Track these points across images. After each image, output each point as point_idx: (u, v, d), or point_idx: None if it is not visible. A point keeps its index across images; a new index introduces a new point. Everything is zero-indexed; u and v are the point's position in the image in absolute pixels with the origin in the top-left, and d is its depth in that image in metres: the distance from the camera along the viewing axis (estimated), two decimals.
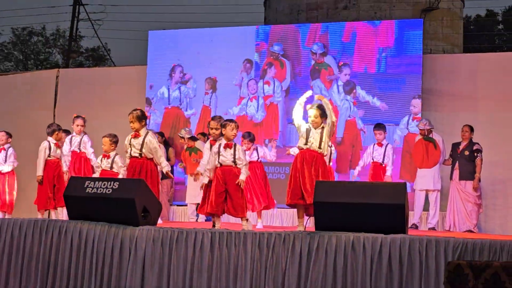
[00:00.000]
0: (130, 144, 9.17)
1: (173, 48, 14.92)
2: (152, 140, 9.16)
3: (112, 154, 10.40)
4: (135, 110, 9.27)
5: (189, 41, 14.87)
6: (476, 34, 43.64)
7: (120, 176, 10.03)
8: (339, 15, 33.26)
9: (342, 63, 13.78)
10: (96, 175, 10.31)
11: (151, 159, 9.16)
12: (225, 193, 8.67)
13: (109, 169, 10.34)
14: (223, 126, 8.84)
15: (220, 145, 8.81)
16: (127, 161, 9.32)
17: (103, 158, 10.40)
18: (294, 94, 13.66)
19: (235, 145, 8.79)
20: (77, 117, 11.77)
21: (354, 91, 13.60)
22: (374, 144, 12.02)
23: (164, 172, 9.35)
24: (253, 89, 14.14)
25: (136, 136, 9.12)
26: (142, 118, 9.18)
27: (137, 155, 9.09)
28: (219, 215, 8.77)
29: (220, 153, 8.73)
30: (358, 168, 12.18)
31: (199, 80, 14.58)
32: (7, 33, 43.89)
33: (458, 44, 35.87)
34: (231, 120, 8.96)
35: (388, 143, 12.03)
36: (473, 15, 45.70)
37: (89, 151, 11.65)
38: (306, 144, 8.52)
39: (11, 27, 43.34)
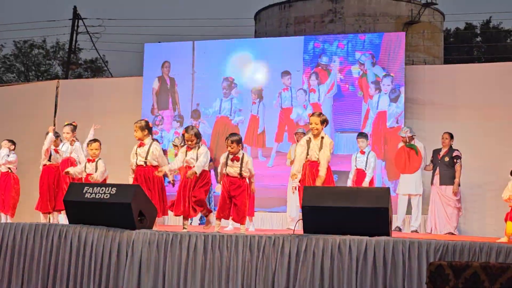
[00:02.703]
0: (136, 153, 9.05)
1: (170, 59, 14.92)
2: (157, 148, 9.06)
3: None
4: (139, 120, 9.22)
5: (190, 53, 14.82)
6: (455, 46, 43.82)
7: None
8: (326, 28, 33.43)
9: (385, 73, 13.58)
10: None
11: (156, 166, 9.06)
12: (231, 200, 8.73)
13: None
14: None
15: (228, 155, 8.86)
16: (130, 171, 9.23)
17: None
18: (340, 102, 13.69)
19: (242, 157, 8.82)
20: (65, 125, 11.71)
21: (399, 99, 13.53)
22: (357, 152, 12.01)
23: (165, 171, 9.03)
24: (301, 99, 14.01)
25: (141, 145, 9.04)
26: (145, 128, 9.04)
27: (142, 163, 8.96)
28: (225, 219, 8.86)
29: (228, 164, 8.78)
30: (349, 180, 12.11)
31: (243, 89, 14.49)
32: (9, 45, 44.04)
33: (439, 55, 36.05)
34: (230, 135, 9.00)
35: (370, 151, 12.00)
36: (452, 28, 45.90)
37: (79, 158, 11.51)
38: (306, 157, 8.61)
39: (13, 40, 43.32)
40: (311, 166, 8.66)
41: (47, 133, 10.93)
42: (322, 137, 8.70)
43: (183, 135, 9.21)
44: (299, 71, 14.05)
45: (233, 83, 14.40)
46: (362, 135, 12.06)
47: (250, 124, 14.18)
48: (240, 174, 8.77)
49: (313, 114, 8.80)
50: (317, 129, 8.64)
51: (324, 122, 8.69)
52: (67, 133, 11.44)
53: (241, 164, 8.77)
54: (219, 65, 14.64)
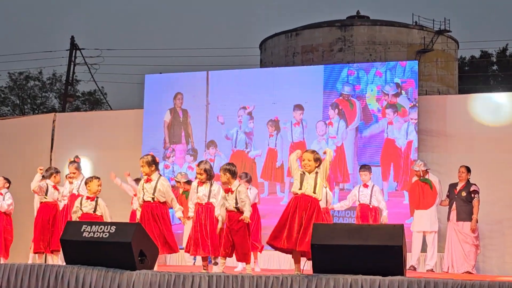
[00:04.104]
0: (143, 188, 9.18)
1: (171, 92, 14.94)
2: (164, 184, 9.20)
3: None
4: (146, 155, 9.38)
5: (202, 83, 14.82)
6: (471, 75, 43.92)
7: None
8: (334, 57, 33.59)
9: (412, 105, 13.38)
10: None
11: (164, 203, 9.19)
12: (231, 238, 8.70)
13: None
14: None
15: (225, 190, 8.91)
16: (137, 205, 9.36)
17: None
18: (366, 135, 13.57)
19: (237, 188, 8.80)
20: (69, 163, 11.78)
21: None
22: (360, 186, 11.89)
23: (177, 217, 9.31)
24: (321, 131, 13.88)
25: (148, 181, 9.17)
26: (152, 163, 9.20)
27: (150, 199, 9.10)
28: (229, 257, 8.83)
29: (226, 198, 8.80)
30: (339, 205, 12.03)
31: (258, 121, 14.39)
32: (3, 77, 44.31)
33: (453, 85, 36.15)
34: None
35: (374, 185, 11.85)
36: (467, 56, 46.03)
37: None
38: (300, 189, 8.56)
39: (8, 71, 43.59)
40: (304, 199, 8.58)
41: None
42: (317, 172, 8.67)
43: (196, 168, 9.43)
44: (307, 102, 14.04)
45: (251, 113, 14.33)
46: (364, 167, 11.95)
47: (267, 158, 14.11)
48: (236, 207, 8.75)
49: (307, 151, 8.84)
50: (309, 165, 8.64)
51: (318, 160, 8.67)
52: (73, 172, 11.56)
53: (235, 195, 8.76)
54: (234, 96, 14.56)
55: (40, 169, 11.04)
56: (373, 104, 13.65)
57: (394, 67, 13.80)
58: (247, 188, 10.93)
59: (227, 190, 8.78)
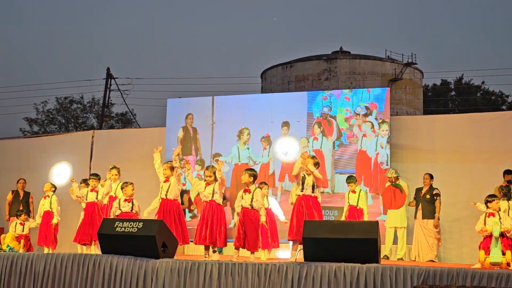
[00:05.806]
0: (161, 187, 9.44)
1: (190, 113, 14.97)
2: (174, 183, 9.46)
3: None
4: (169, 161, 9.68)
5: (207, 107, 14.85)
6: (433, 99, 43.96)
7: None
8: (322, 85, 33.57)
9: (381, 120, 13.32)
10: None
11: (175, 200, 9.28)
12: (244, 231, 8.70)
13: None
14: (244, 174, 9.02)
15: (242, 191, 8.94)
16: (158, 201, 9.52)
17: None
18: (340, 148, 13.53)
19: (254, 190, 8.82)
20: (112, 168, 11.71)
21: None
22: (348, 192, 11.79)
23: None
24: (304, 145, 13.77)
25: (166, 181, 9.43)
26: (172, 169, 9.51)
27: (164, 196, 9.34)
28: (242, 248, 8.82)
29: (242, 197, 8.80)
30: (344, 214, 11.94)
31: (254, 137, 14.35)
32: (52, 101, 44.17)
33: (419, 107, 36.11)
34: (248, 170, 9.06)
35: (361, 190, 11.78)
36: (430, 84, 46.07)
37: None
38: (302, 191, 8.62)
39: (55, 96, 43.63)
40: (306, 199, 8.63)
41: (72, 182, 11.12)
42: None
43: (204, 172, 9.47)
44: (299, 121, 14.04)
45: (249, 133, 14.36)
46: (350, 178, 11.83)
47: (262, 167, 14.14)
48: (251, 205, 8.75)
49: (307, 157, 8.86)
50: (310, 169, 8.69)
51: (317, 164, 8.74)
52: (115, 175, 11.50)
53: (252, 196, 8.77)
54: (235, 117, 14.54)
55: (72, 180, 11.10)
56: (345, 123, 13.69)
57: (367, 92, 13.82)
58: (264, 196, 10.99)
59: (246, 190, 8.82)
